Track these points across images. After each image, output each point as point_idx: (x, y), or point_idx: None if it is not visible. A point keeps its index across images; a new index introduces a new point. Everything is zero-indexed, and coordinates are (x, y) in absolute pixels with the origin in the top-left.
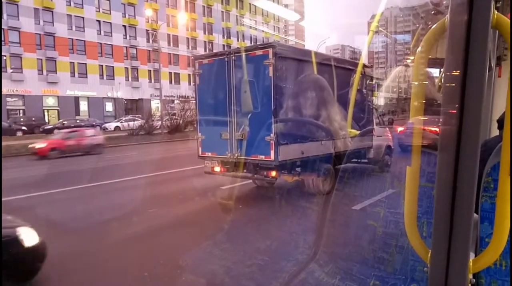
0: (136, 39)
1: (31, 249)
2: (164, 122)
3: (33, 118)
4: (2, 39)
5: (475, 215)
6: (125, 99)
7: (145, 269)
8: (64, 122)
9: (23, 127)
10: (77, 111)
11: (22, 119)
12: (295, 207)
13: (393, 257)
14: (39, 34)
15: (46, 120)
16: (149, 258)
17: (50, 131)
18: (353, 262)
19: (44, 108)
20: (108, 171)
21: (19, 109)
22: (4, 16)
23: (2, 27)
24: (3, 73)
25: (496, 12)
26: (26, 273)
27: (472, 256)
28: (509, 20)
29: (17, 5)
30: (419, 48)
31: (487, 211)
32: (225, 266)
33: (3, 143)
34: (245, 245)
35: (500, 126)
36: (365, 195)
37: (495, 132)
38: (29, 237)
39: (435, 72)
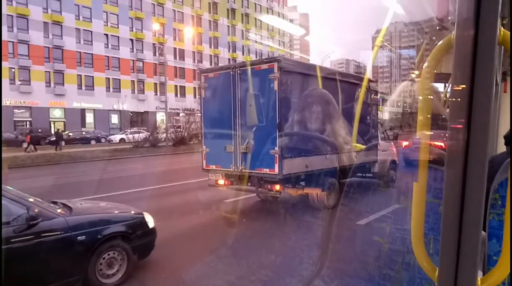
0: (143, 52)
1: (152, 230)
2: (169, 135)
3: (40, 130)
4: (12, 52)
5: (482, 232)
6: (131, 112)
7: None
8: (70, 134)
9: None
10: (83, 123)
11: (28, 131)
12: (299, 221)
13: (400, 274)
14: (48, 47)
15: (52, 132)
16: (153, 272)
17: (56, 143)
18: (358, 279)
19: (50, 120)
20: (112, 182)
21: (26, 121)
22: (14, 29)
23: (12, 40)
24: (11, 86)
25: (502, 28)
26: (148, 247)
27: (480, 274)
28: None
29: (27, 18)
30: (426, 63)
31: (495, 228)
32: (228, 282)
33: (9, 154)
34: (249, 259)
35: (507, 142)
36: (370, 210)
37: (501, 148)
38: (150, 220)
39: (440, 87)
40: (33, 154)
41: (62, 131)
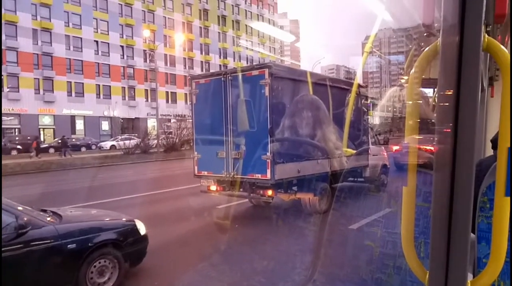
0: (133, 59)
1: (144, 237)
2: (160, 141)
3: (29, 137)
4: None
5: (472, 235)
6: (122, 118)
7: None
8: (59, 141)
9: (18, 146)
10: (73, 130)
11: (17, 138)
12: (291, 226)
13: (391, 278)
14: (37, 54)
15: (42, 139)
16: (144, 279)
17: (45, 150)
18: (350, 283)
19: (40, 127)
20: (103, 189)
21: (15, 128)
22: (3, 36)
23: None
24: None
25: (486, 35)
26: (140, 254)
27: (470, 276)
28: (499, 43)
29: (16, 25)
30: (413, 69)
31: (484, 231)
32: None
33: None
34: (241, 265)
35: (494, 146)
36: (361, 214)
37: (489, 152)
38: (142, 227)
39: (428, 92)
40: (39, 160)
41: (68, 138)
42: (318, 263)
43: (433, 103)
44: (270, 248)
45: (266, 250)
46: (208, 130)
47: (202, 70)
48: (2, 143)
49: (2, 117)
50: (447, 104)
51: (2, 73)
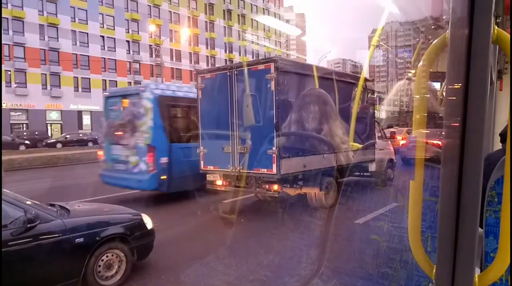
0: (139, 54)
1: (150, 231)
2: None
3: (36, 133)
4: (7, 54)
5: (479, 229)
6: None
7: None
8: (67, 136)
9: (26, 142)
10: (80, 126)
11: (25, 134)
12: (297, 221)
13: (398, 272)
14: (44, 49)
15: (49, 134)
16: (151, 273)
17: (53, 145)
18: (357, 278)
19: (47, 122)
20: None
21: (23, 124)
22: (10, 32)
23: (7, 43)
24: (7, 88)
25: (496, 27)
26: (147, 248)
27: (477, 271)
28: (509, 35)
29: (23, 21)
30: (421, 63)
31: (492, 225)
32: (227, 282)
33: (6, 157)
34: (247, 259)
35: (503, 139)
36: (368, 208)
37: (497, 146)
38: (148, 221)
39: (436, 85)
40: None
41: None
42: (324, 258)
43: (441, 97)
44: (276, 242)
45: (272, 244)
46: (214, 125)
47: (207, 65)
48: (10, 138)
49: (10, 113)
50: (455, 98)
51: (10, 69)
